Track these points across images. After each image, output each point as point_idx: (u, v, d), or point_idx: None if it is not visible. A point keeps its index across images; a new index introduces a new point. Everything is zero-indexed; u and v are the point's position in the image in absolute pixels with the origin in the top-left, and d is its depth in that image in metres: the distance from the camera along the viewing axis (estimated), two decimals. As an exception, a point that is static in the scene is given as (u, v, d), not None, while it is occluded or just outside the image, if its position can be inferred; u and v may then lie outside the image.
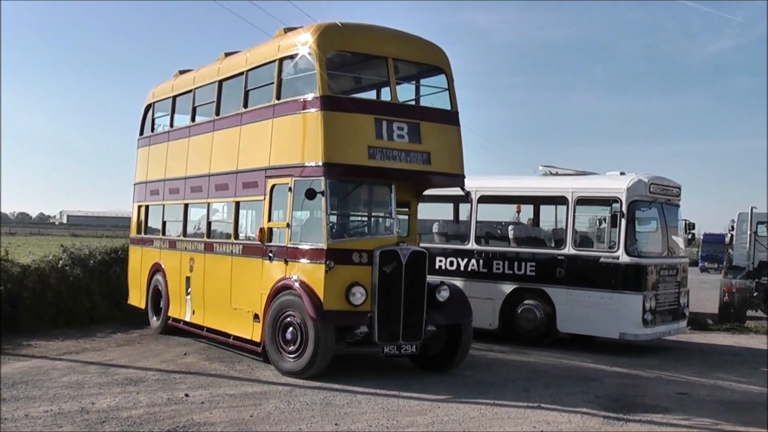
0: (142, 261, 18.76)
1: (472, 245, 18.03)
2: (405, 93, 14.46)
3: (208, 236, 15.89)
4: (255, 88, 14.71)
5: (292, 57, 13.60)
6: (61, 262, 18.72)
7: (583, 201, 17.01)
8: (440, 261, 18.29)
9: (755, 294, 23.37)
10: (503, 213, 19.47)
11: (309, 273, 12.69)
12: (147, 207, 19.12)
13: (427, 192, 14.87)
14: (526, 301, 17.22)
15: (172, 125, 18.19)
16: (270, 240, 13.59)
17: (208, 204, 16.04)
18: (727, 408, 11.92)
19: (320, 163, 12.59)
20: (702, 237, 57.37)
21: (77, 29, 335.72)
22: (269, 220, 13.69)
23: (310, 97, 12.92)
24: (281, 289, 13.05)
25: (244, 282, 14.22)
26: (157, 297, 17.78)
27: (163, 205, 18.13)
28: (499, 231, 18.58)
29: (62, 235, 71.37)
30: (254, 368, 13.48)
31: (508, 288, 17.45)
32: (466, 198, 16.01)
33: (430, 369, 13.75)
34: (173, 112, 18.21)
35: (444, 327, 13.51)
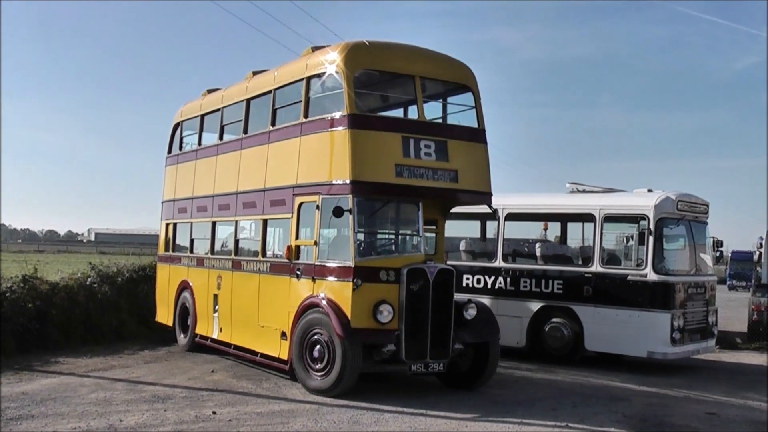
0: (169, 278, 18.86)
1: (499, 263, 17.99)
2: (432, 111, 14.50)
3: (236, 254, 15.95)
4: (283, 107, 14.78)
5: (319, 75, 13.66)
6: (89, 279, 18.86)
7: (610, 218, 16.96)
8: (467, 279, 18.26)
9: (784, 313, 23.08)
10: (530, 231, 19.48)
11: (336, 291, 12.71)
12: (175, 225, 19.23)
13: (455, 210, 14.87)
14: (554, 319, 17.16)
15: (200, 144, 18.28)
16: (297, 258, 13.62)
17: (236, 222, 16.11)
18: (757, 428, 11.82)
19: (348, 181, 12.62)
20: (730, 255, 57.02)
21: (104, 48, 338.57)
22: (297, 237, 13.72)
23: (337, 115, 12.96)
24: (308, 306, 13.06)
25: (272, 300, 14.25)
26: (184, 314, 17.84)
27: (191, 223, 18.23)
28: (526, 249, 18.55)
29: (90, 253, 71.68)
30: (281, 386, 13.49)
31: (535, 306, 17.40)
32: (493, 216, 16.00)
33: (457, 387, 13.72)
34: (201, 130, 18.31)
35: (471, 345, 13.49)
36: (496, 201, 14.57)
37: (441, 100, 14.91)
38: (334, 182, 12.90)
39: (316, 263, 13.15)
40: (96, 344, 17.48)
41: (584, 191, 18.39)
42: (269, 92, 15.12)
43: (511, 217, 18.10)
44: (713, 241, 18.43)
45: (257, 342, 14.60)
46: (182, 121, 19.36)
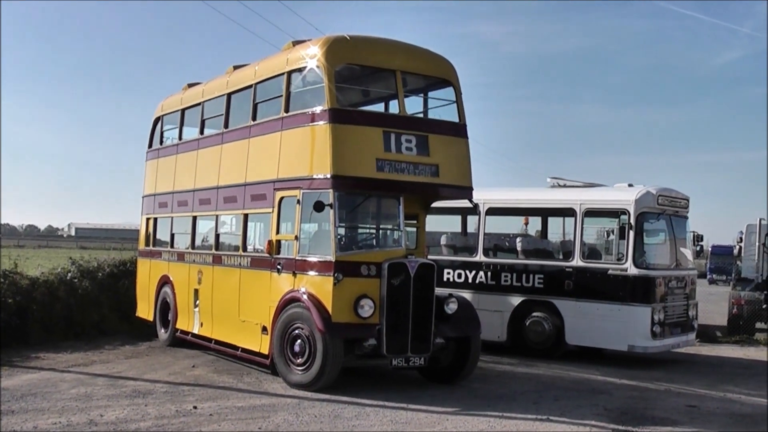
0: (150, 273, 18.80)
1: (480, 257, 18.01)
2: (413, 105, 14.50)
3: (217, 248, 15.92)
4: (264, 101, 14.74)
5: (300, 70, 13.64)
6: (69, 274, 18.78)
7: (591, 213, 16.99)
8: (448, 273, 18.27)
9: (764, 306, 23.19)
10: (511, 225, 19.49)
11: (317, 285, 12.70)
12: (155, 219, 19.17)
13: (436, 204, 14.87)
14: (535, 314, 17.20)
15: (180, 138, 18.24)
16: (278, 252, 13.60)
17: (217, 216, 16.07)
18: (737, 421, 11.89)
19: (329, 176, 12.62)
20: (710, 249, 57.20)
21: (84, 43, 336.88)
22: (278, 232, 13.70)
23: (318, 109, 12.95)
24: (289, 301, 13.06)
25: (253, 294, 14.23)
26: (165, 309, 17.80)
27: (172, 218, 18.18)
28: (507, 243, 18.57)
29: (71, 248, 71.51)
30: (262, 381, 13.48)
31: (516, 300, 17.44)
32: (474, 210, 16.00)
33: (438, 381, 13.74)
34: (182, 124, 18.25)
35: (452, 339, 13.51)
36: (477, 195, 14.60)
37: (422, 95, 14.91)
38: (314, 177, 12.89)
39: (297, 258, 13.14)
40: (76, 339, 17.44)
41: (565, 186, 18.44)
42: (250, 86, 15.08)
43: (492, 211, 18.12)
44: (693, 235, 18.53)
45: (238, 337, 14.58)
46: (163, 116, 19.29)
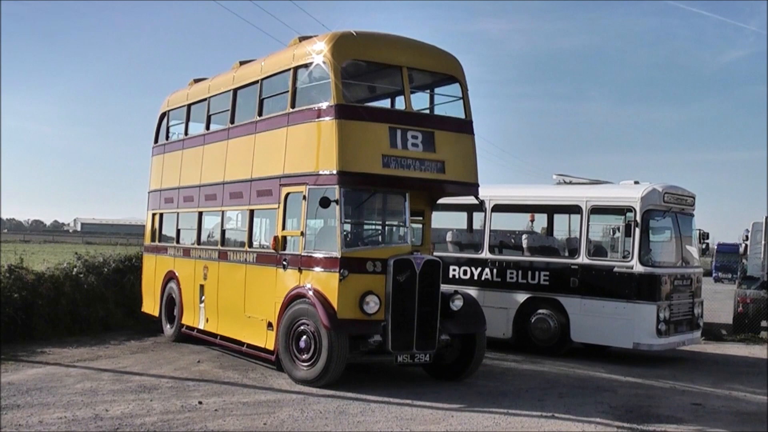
0: (156, 269, 18.80)
1: (485, 254, 18.01)
2: (419, 102, 14.48)
3: (222, 244, 15.92)
4: (270, 97, 14.75)
5: (306, 66, 13.63)
6: (75, 269, 18.80)
7: (597, 210, 16.96)
8: (454, 270, 18.27)
9: (770, 305, 23.15)
10: (517, 222, 19.46)
11: (323, 281, 12.70)
12: (161, 215, 19.17)
13: (441, 201, 14.86)
14: (540, 311, 17.19)
15: (186, 133, 18.24)
16: (284, 248, 13.60)
17: (223, 212, 16.07)
18: (742, 419, 11.87)
19: (334, 172, 12.60)
20: (716, 247, 57.22)
21: (91, 38, 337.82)
22: (283, 228, 13.70)
23: (324, 105, 12.94)
24: (295, 297, 13.06)
25: (258, 290, 14.23)
26: (170, 305, 17.81)
27: (177, 213, 18.18)
28: (512, 240, 18.56)
29: (76, 243, 71.44)
30: (267, 376, 13.49)
31: (521, 297, 17.43)
32: (480, 207, 15.99)
33: (443, 378, 13.74)
34: (188, 120, 18.25)
35: (457, 336, 13.50)
36: (483, 192, 14.58)
37: (428, 91, 14.89)
38: (320, 172, 12.88)
39: (303, 254, 13.14)
40: (82, 334, 17.46)
41: (571, 183, 18.41)
42: (256, 82, 15.08)
43: (498, 208, 18.10)
44: (699, 233, 18.45)
45: (243, 332, 14.59)
46: (169, 111, 19.30)
